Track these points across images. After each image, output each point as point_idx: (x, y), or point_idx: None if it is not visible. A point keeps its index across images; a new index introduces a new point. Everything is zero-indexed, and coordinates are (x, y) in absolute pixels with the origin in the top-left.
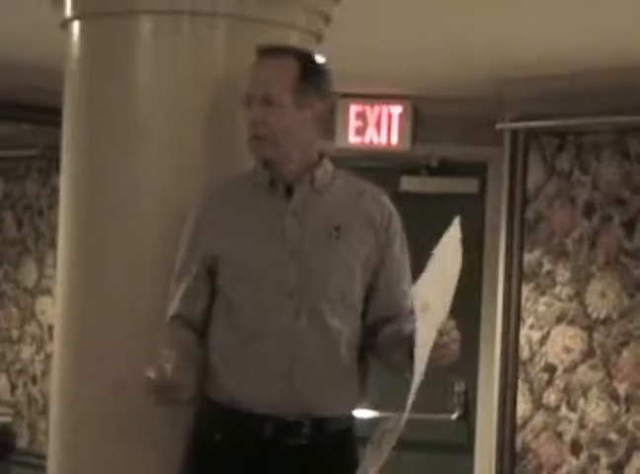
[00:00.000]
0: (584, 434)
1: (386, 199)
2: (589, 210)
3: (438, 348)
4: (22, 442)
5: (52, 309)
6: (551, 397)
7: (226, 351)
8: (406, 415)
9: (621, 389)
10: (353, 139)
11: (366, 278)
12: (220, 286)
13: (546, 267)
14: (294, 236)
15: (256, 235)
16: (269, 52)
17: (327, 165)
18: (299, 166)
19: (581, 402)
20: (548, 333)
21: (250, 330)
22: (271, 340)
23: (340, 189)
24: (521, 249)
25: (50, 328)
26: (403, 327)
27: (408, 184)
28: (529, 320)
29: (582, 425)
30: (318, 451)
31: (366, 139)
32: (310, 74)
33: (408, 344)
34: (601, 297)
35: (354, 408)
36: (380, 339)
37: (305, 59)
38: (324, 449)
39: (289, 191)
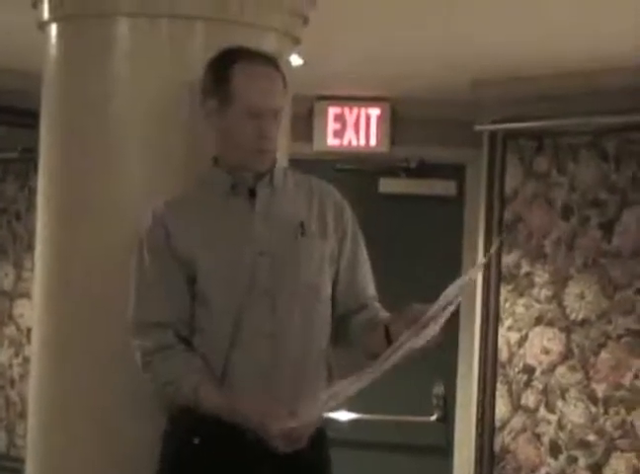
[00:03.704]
0: (562, 436)
1: (334, 191)
2: (567, 212)
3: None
4: None
5: (30, 312)
6: (530, 398)
7: (206, 355)
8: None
9: (599, 390)
10: (331, 141)
11: (332, 272)
12: (198, 293)
13: (524, 268)
14: (263, 237)
15: (225, 240)
16: (264, 60)
17: (280, 164)
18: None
19: (559, 403)
20: (527, 334)
21: (229, 334)
22: (250, 343)
23: (293, 186)
24: (500, 251)
25: (29, 331)
26: (376, 314)
27: (386, 186)
28: (508, 321)
29: (560, 426)
30: (298, 453)
31: (345, 141)
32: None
33: (384, 327)
34: (580, 299)
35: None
36: (352, 329)
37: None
38: (303, 451)
39: (251, 193)
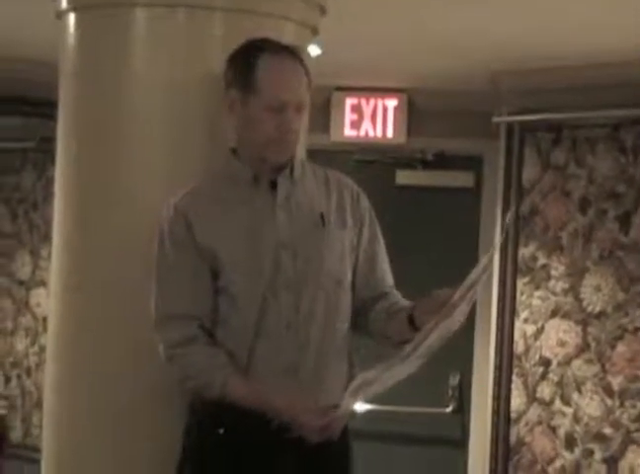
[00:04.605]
0: (578, 429)
1: (350, 181)
2: (584, 204)
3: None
4: (15, 435)
5: (47, 301)
6: (545, 391)
7: (230, 347)
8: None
9: (615, 383)
10: (348, 133)
11: (352, 262)
12: (222, 286)
13: (541, 261)
14: (285, 228)
15: (247, 231)
16: (290, 54)
17: (298, 156)
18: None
19: (575, 396)
20: (543, 327)
21: (253, 328)
22: (274, 333)
23: (310, 178)
24: (516, 243)
25: (45, 320)
26: (397, 302)
27: (403, 177)
28: (524, 314)
29: (576, 419)
30: (321, 443)
31: (362, 133)
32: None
33: (406, 313)
34: (596, 291)
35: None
36: (373, 317)
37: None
38: (327, 441)
39: (272, 185)
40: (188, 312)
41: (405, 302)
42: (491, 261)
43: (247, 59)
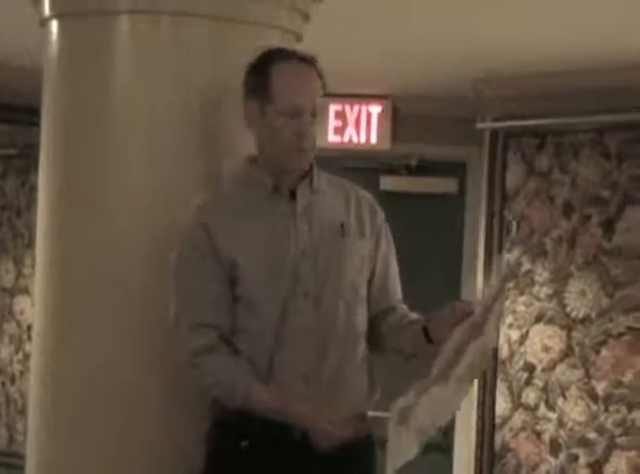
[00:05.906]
0: (563, 434)
1: (367, 194)
2: (568, 210)
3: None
4: (0, 443)
5: (31, 309)
6: (530, 396)
7: (250, 356)
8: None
9: (600, 388)
10: (332, 138)
11: (368, 273)
12: (240, 295)
13: (525, 266)
14: (305, 237)
15: (267, 241)
16: (303, 60)
17: (316, 167)
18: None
19: (560, 401)
20: (527, 332)
21: (273, 335)
22: (294, 343)
23: (328, 189)
24: (500, 248)
25: (29, 328)
26: (406, 314)
27: (387, 183)
28: (508, 319)
29: (561, 424)
30: (345, 451)
31: (346, 138)
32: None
33: (419, 324)
34: (580, 297)
35: (370, 404)
36: (385, 329)
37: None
38: (350, 448)
39: (292, 194)
40: (208, 321)
41: (414, 315)
42: (505, 278)
43: (261, 69)
